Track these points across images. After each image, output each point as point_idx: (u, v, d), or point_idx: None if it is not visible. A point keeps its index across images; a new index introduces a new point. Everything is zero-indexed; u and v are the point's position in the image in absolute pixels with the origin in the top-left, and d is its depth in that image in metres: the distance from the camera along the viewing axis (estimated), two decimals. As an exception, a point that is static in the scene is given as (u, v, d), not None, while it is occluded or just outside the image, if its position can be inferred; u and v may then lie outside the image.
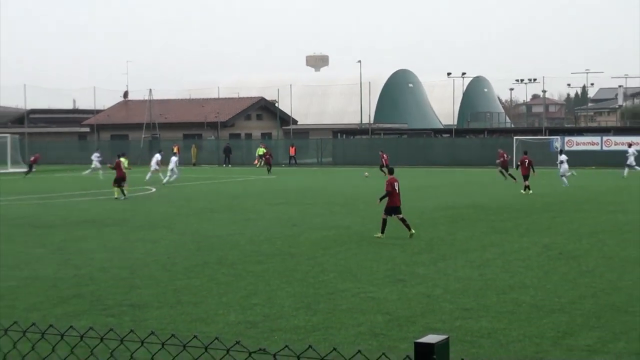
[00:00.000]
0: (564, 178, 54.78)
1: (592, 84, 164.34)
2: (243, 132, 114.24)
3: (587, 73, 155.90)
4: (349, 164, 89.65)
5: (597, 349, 13.17)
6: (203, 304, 16.88)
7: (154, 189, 55.14)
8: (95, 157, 76.15)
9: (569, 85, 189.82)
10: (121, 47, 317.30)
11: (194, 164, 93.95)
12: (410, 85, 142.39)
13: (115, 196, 46.12)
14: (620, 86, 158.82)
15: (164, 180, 60.65)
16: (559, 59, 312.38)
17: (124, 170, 47.21)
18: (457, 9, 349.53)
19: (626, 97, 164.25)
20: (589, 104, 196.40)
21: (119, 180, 46.76)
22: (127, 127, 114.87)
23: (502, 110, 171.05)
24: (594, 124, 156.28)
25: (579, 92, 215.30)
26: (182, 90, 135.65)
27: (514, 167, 55.78)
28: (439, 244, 26.25)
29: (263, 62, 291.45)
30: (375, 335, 14.14)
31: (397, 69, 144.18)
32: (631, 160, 68.08)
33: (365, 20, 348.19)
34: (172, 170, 61.38)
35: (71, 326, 5.25)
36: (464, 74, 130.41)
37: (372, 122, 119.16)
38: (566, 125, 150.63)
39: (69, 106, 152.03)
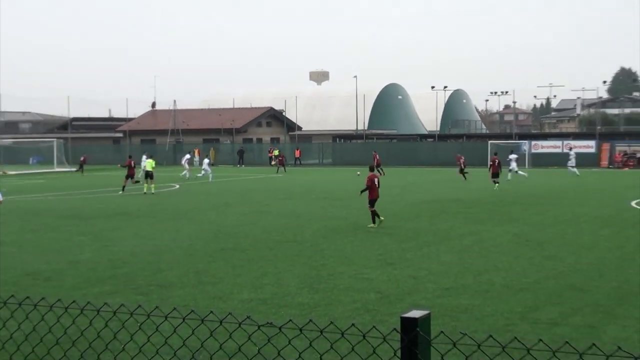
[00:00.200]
0: (510, 173, 55.90)
1: (554, 96, 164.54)
2: (255, 137, 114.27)
3: (550, 86, 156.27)
4: (347, 164, 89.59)
5: (558, 322, 13.16)
6: (220, 284, 16.86)
7: (177, 186, 55.17)
8: (144, 159, 76.42)
9: (535, 96, 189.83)
10: (150, 64, 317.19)
11: (212, 165, 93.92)
12: (399, 97, 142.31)
13: (145, 192, 46.21)
14: (578, 97, 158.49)
15: (199, 175, 62.43)
16: (527, 74, 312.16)
17: (135, 169, 48.52)
18: (440, 32, 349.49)
19: (583, 107, 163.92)
20: (552, 113, 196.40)
21: (129, 177, 47.60)
22: (154, 132, 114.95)
23: (479, 119, 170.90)
24: (557, 130, 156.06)
25: (544, 103, 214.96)
26: (202, 101, 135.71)
27: (488, 167, 55.75)
28: (423, 232, 26.23)
29: (272, 77, 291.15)
30: (368, 311, 14.12)
31: (388, 83, 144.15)
32: (572, 161, 68.61)
33: (360, 42, 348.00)
34: (204, 169, 62.30)
35: (105, 303, 5.24)
36: (445, 87, 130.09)
37: (366, 128, 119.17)
38: (533, 131, 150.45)
39: (105, 115, 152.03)
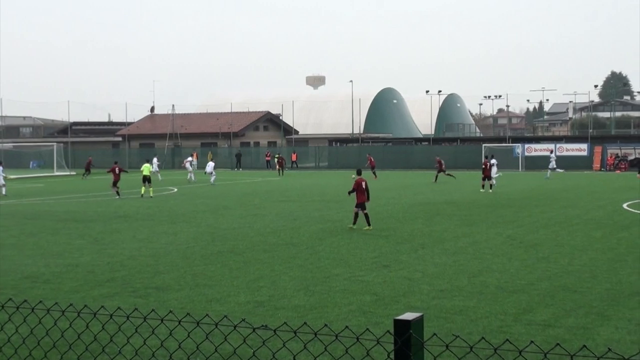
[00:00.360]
0: (492, 179, 55.37)
1: (547, 100, 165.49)
2: (252, 141, 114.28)
3: (543, 90, 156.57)
4: (342, 167, 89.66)
5: (551, 323, 13.14)
6: (217, 287, 16.83)
7: (175, 189, 55.14)
8: (154, 162, 76.82)
9: (528, 100, 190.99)
10: (149, 69, 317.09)
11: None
12: (395, 101, 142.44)
13: (142, 194, 46.24)
14: (570, 101, 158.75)
15: (211, 181, 61.81)
16: (520, 79, 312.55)
17: (119, 175, 48.10)
18: (435, 37, 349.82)
19: (575, 110, 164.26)
20: (545, 117, 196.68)
21: (115, 183, 47.53)
22: (153, 137, 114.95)
23: (473, 122, 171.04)
24: (549, 134, 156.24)
25: (537, 107, 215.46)
26: (200, 106, 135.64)
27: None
28: (418, 234, 26.22)
29: (269, 82, 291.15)
30: (364, 313, 14.10)
31: (384, 88, 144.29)
32: (553, 163, 68.94)
33: (356, 47, 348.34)
34: (210, 173, 62.30)
35: (102, 306, 5.22)
36: (440, 91, 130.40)
37: (362, 132, 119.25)
38: (526, 135, 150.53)
39: (105, 119, 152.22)
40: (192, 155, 77.11)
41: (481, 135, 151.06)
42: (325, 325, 4.02)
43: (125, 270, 19.35)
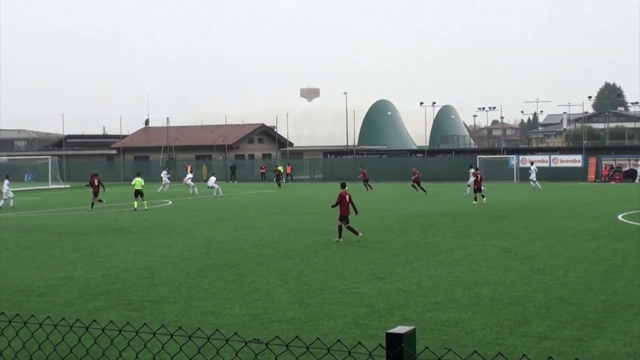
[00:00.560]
0: (469, 188, 55.80)
1: (541, 111, 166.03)
2: (247, 153, 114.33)
3: (537, 102, 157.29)
4: (337, 179, 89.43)
5: (547, 335, 13.12)
6: (212, 299, 16.79)
7: (170, 202, 55.09)
8: (164, 174, 76.78)
9: (522, 112, 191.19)
10: (143, 81, 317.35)
11: (205, 181, 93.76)
12: (389, 113, 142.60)
13: (135, 208, 46.11)
14: (564, 113, 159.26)
15: (217, 195, 61.57)
16: (514, 90, 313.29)
17: (99, 187, 49.09)
18: (429, 49, 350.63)
19: (569, 122, 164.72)
20: (539, 128, 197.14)
21: (95, 195, 48.26)
22: (148, 149, 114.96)
23: (467, 134, 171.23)
24: (544, 145, 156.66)
25: (531, 118, 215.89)
26: (195, 118, 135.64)
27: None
28: (413, 246, 26.19)
29: (263, 94, 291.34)
30: (359, 325, 14.07)
31: (378, 99, 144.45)
32: (533, 175, 69.16)
33: (350, 59, 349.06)
34: (213, 188, 62.14)
35: (94, 320, 5.19)
36: (434, 103, 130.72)
37: (356, 144, 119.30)
38: (521, 146, 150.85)
39: (100, 132, 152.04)
40: (187, 169, 77.07)
41: (476, 146, 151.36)
42: (318, 339, 4.00)
43: (120, 283, 19.31)
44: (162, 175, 77.69)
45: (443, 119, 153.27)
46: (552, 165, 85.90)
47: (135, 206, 46.27)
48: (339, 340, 4.00)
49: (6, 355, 7.63)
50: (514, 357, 10.98)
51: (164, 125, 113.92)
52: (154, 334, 4.40)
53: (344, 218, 28.44)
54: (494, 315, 14.71)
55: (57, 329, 5.12)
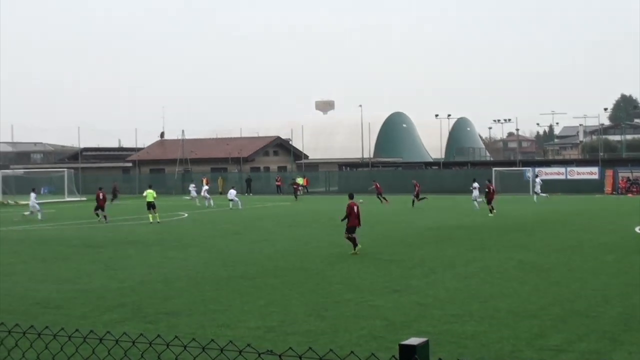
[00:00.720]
0: (475, 202, 55.89)
1: (557, 123, 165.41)
2: (262, 165, 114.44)
3: (553, 114, 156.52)
4: (353, 192, 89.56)
5: (563, 348, 13.05)
6: (228, 312, 16.77)
7: (186, 214, 55.17)
8: (191, 187, 76.98)
9: (538, 124, 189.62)
10: (158, 94, 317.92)
11: (221, 193, 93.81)
12: (404, 125, 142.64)
13: (151, 221, 46.12)
14: (580, 125, 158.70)
15: (234, 206, 61.89)
16: (530, 103, 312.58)
17: (106, 201, 49.92)
18: (445, 62, 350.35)
19: (586, 133, 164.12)
20: (555, 140, 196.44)
21: (97, 208, 48.74)
22: (163, 162, 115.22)
23: (483, 146, 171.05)
24: (560, 157, 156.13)
25: (547, 130, 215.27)
26: (210, 131, 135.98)
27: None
28: (429, 259, 26.11)
29: (279, 107, 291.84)
30: (375, 338, 14.02)
31: (393, 112, 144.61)
32: (538, 188, 69.17)
33: (365, 72, 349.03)
34: (232, 200, 62.25)
35: (108, 332, 5.18)
36: (449, 115, 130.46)
37: (372, 156, 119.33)
38: (536, 158, 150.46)
39: (115, 144, 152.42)
40: (202, 182, 77.12)
41: (491, 159, 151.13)
42: (331, 350, 3.98)
43: (135, 295, 19.32)
44: (190, 188, 77.68)
45: (459, 131, 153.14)
46: (569, 177, 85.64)
47: (151, 220, 46.25)
48: (352, 352, 3.98)
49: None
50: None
51: (180, 137, 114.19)
52: (167, 346, 4.38)
53: (352, 229, 28.41)
54: (511, 328, 14.64)
55: (71, 340, 5.11)
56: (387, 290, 19.64)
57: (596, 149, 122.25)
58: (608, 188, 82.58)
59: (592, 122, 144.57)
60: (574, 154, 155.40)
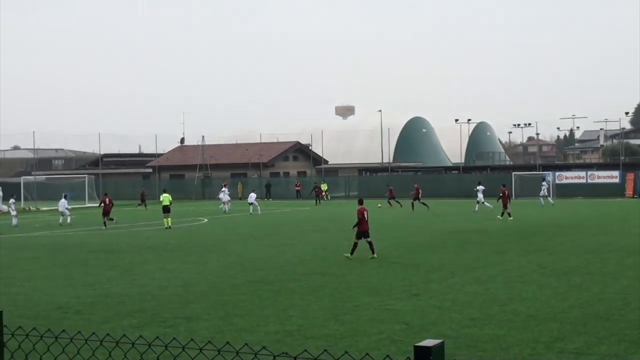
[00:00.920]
0: (477, 205, 56.67)
1: (577, 127, 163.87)
2: (282, 171, 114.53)
3: (573, 118, 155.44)
4: (373, 197, 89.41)
5: (584, 351, 12.98)
6: (247, 316, 16.78)
7: (206, 219, 55.26)
8: (223, 191, 76.75)
9: (558, 128, 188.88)
10: (179, 100, 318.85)
11: (240, 198, 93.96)
12: (424, 130, 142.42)
13: (166, 226, 46.13)
14: (601, 129, 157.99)
15: (254, 212, 62.29)
16: (550, 107, 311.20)
17: (111, 206, 50.20)
18: (464, 66, 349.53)
19: (606, 137, 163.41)
20: (576, 144, 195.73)
21: (105, 214, 49.10)
22: (183, 168, 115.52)
23: (503, 150, 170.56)
24: (580, 161, 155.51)
25: (567, 134, 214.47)
26: (230, 136, 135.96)
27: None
28: (448, 263, 26.05)
29: (298, 112, 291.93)
30: (394, 342, 14.00)
31: (413, 117, 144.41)
32: (544, 191, 69.15)
33: (384, 77, 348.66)
34: (252, 204, 62.43)
35: (124, 335, 5.19)
36: (469, 120, 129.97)
37: (391, 161, 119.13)
38: (557, 162, 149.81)
39: (135, 151, 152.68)
40: (223, 186, 77.05)
41: (511, 163, 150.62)
42: (346, 352, 3.97)
43: (155, 300, 19.36)
44: (222, 191, 77.15)
45: (479, 136, 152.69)
46: (589, 181, 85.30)
47: (166, 225, 46.27)
48: (367, 354, 3.96)
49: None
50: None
51: (199, 143, 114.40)
52: (183, 349, 4.39)
53: (363, 234, 28.41)
54: (530, 332, 14.58)
55: (87, 344, 5.13)
56: (406, 294, 19.61)
57: (617, 153, 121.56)
58: (629, 192, 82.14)
59: (613, 126, 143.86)
60: (594, 158, 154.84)
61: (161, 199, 49.28)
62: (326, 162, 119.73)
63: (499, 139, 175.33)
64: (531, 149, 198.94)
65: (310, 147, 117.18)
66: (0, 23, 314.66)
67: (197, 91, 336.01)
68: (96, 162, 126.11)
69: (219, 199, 69.03)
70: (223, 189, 72.69)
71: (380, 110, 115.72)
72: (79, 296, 20.31)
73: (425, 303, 18.07)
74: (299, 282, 22.20)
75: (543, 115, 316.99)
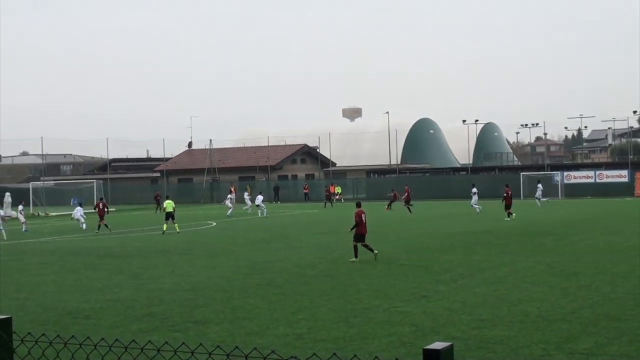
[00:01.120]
0: (475, 207, 56.73)
1: (585, 127, 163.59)
2: (289, 173, 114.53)
3: (581, 117, 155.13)
4: (381, 199, 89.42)
5: (594, 352, 12.95)
6: (256, 320, 16.77)
7: (214, 223, 55.28)
8: (246, 195, 76.55)
9: (566, 128, 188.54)
10: (186, 104, 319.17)
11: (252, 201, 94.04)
12: (431, 131, 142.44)
13: (163, 231, 45.83)
14: (609, 128, 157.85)
15: (262, 215, 62.49)
16: (557, 106, 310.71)
17: (105, 211, 51.07)
18: (470, 67, 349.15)
19: (614, 137, 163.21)
20: (584, 144, 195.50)
21: (101, 218, 50.07)
22: (191, 172, 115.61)
23: (510, 151, 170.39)
24: (589, 161, 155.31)
25: (575, 134, 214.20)
26: (238, 140, 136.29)
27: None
28: (457, 264, 26.02)
29: (305, 115, 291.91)
30: (403, 344, 13.98)
31: (420, 118, 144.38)
32: (539, 193, 69.44)
33: (391, 79, 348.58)
34: (259, 206, 62.63)
35: (133, 340, 5.19)
36: (476, 120, 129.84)
37: (399, 162, 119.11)
38: (565, 162, 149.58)
39: (143, 155, 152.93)
40: (231, 191, 76.97)
41: (519, 163, 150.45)
42: (355, 355, 3.96)
43: (164, 304, 19.37)
44: (244, 196, 76.61)
45: (486, 137, 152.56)
46: (598, 180, 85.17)
47: (164, 229, 46.14)
48: (376, 357, 3.95)
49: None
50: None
51: (207, 147, 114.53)
52: (192, 353, 4.38)
53: (361, 237, 28.40)
54: (540, 332, 14.55)
55: (97, 350, 5.12)
56: (415, 296, 19.58)
57: (625, 152, 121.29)
58: (638, 191, 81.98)
59: (621, 125, 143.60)
60: (602, 158, 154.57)
61: (164, 205, 49.47)
62: (334, 164, 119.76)
63: (506, 140, 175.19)
64: (539, 149, 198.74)
65: (318, 150, 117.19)
66: (8, 27, 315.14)
67: (204, 96, 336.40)
68: (104, 167, 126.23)
69: (225, 204, 68.84)
70: (230, 195, 72.81)
71: (387, 112, 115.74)
72: (88, 301, 20.32)
73: (434, 305, 18.05)
74: (308, 285, 22.19)
75: (551, 115, 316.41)
